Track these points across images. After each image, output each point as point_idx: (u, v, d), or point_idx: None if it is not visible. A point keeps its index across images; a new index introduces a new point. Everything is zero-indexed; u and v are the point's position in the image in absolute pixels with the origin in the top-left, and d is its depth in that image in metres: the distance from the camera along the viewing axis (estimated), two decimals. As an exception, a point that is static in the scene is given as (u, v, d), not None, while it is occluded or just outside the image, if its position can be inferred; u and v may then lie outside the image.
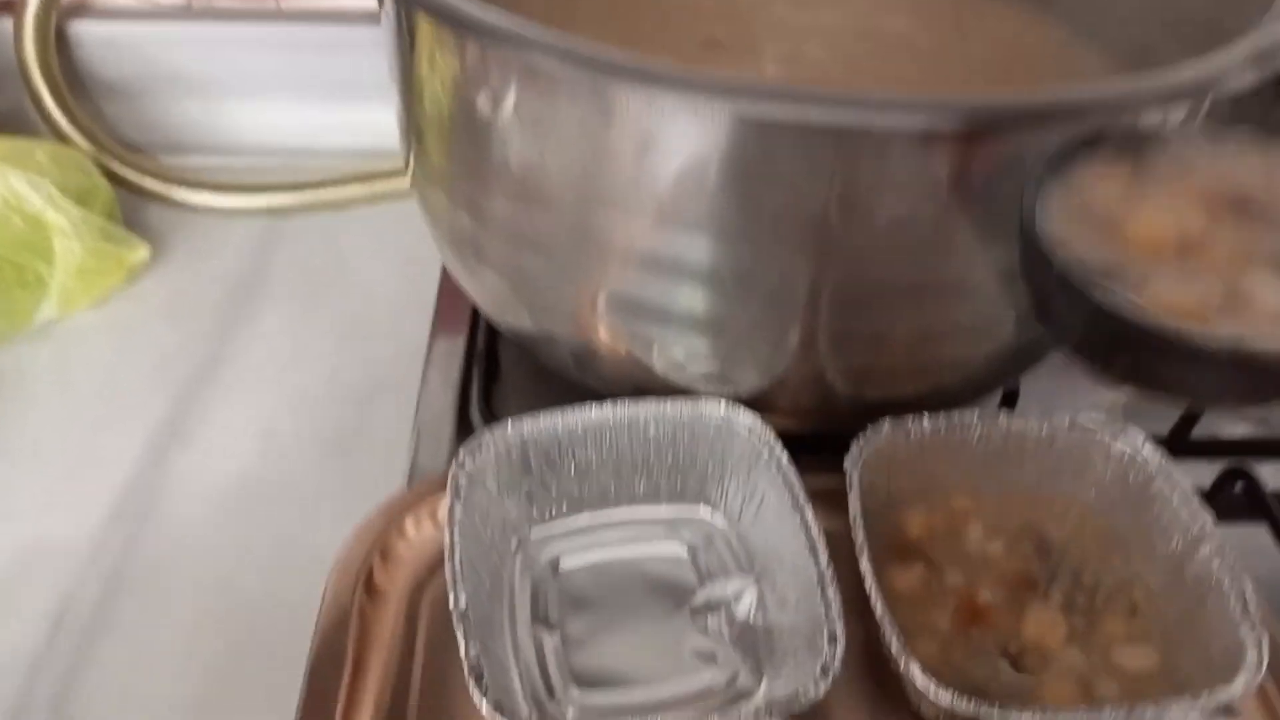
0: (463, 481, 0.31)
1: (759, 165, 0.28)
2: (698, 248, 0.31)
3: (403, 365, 0.49)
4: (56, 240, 0.50)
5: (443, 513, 0.33)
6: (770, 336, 0.32)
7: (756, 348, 0.33)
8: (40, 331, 0.51)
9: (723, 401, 0.34)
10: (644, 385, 0.36)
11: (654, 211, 0.30)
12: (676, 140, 0.28)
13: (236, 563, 0.41)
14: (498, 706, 0.25)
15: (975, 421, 0.34)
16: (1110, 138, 0.28)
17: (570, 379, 0.40)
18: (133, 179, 0.58)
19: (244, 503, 0.43)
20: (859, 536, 0.30)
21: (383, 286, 0.55)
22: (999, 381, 0.39)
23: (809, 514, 0.31)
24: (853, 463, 0.32)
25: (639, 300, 0.33)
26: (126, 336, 0.51)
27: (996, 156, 0.28)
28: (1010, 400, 0.42)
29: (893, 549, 0.33)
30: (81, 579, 0.40)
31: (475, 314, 0.48)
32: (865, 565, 0.29)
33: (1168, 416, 0.42)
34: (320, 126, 0.62)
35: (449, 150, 0.33)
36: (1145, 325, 0.25)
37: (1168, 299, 0.26)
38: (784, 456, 0.32)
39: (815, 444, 0.34)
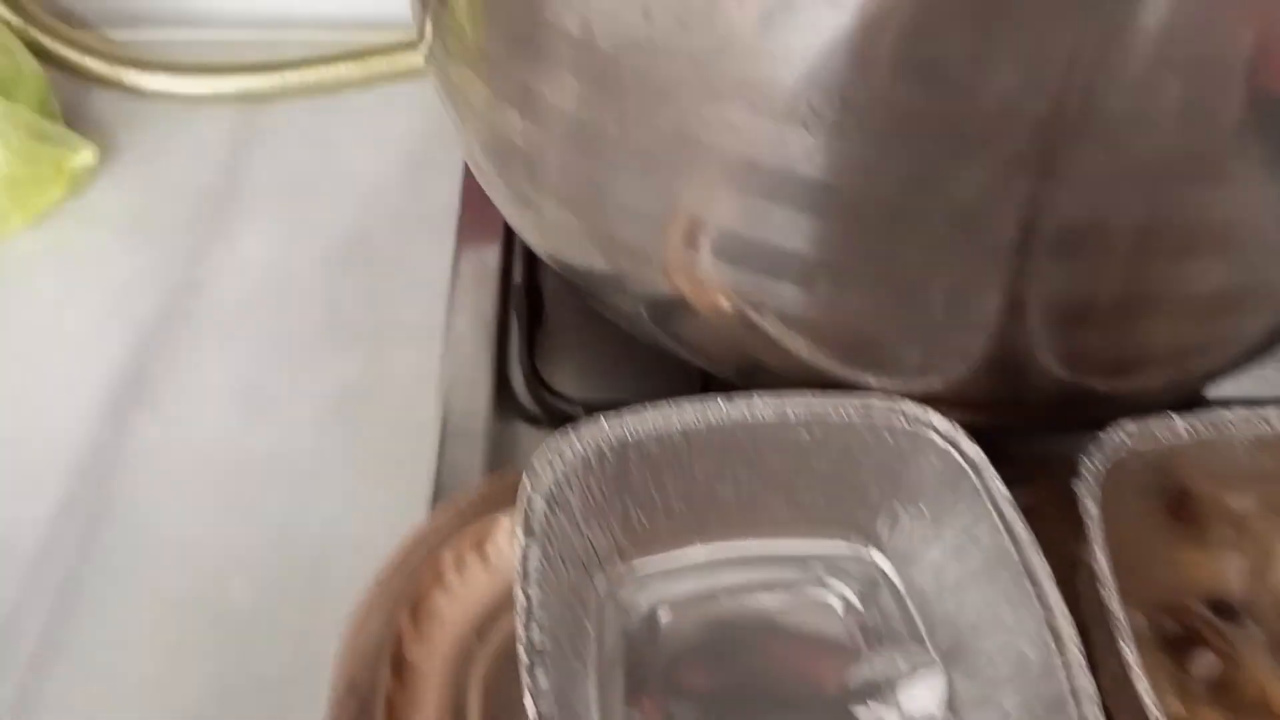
0: (539, 508, 0.22)
1: (963, 23, 0.18)
2: (850, 157, 0.20)
3: (418, 300, 0.41)
4: (-29, 143, 0.40)
5: (498, 544, 0.24)
6: (954, 301, 0.22)
7: (929, 317, 0.23)
8: (-40, 262, 0.42)
9: (905, 400, 0.24)
10: (758, 363, 0.26)
11: (789, 100, 0.19)
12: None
13: (219, 569, 0.33)
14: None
15: (1243, 420, 0.24)
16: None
17: (642, 338, 0.30)
18: (71, 59, 0.49)
19: (226, 487, 0.35)
20: (1113, 605, 0.20)
21: (387, 195, 0.46)
22: (1245, 363, 0.29)
23: (1049, 584, 0.21)
24: (1090, 492, 0.22)
25: (757, 242, 0.22)
26: (72, 264, 0.42)
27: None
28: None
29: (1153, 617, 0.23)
30: (26, 590, 0.33)
31: (509, 234, 0.38)
32: (1128, 654, 0.20)
33: None
34: (302, -11, 0.52)
35: (488, 11, 0.22)
36: None
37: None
38: (998, 484, 0.23)
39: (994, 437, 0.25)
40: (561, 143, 0.23)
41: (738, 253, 0.23)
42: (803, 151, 0.19)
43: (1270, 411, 0.25)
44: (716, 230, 0.23)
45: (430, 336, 0.38)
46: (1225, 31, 0.17)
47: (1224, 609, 0.24)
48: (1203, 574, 0.24)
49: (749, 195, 0.22)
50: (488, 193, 0.29)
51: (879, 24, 0.17)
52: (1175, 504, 0.25)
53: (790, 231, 0.22)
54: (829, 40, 0.17)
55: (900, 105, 0.18)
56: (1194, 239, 0.22)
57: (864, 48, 0.17)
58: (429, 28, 0.26)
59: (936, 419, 0.23)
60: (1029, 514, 0.24)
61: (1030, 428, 0.26)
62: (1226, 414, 0.24)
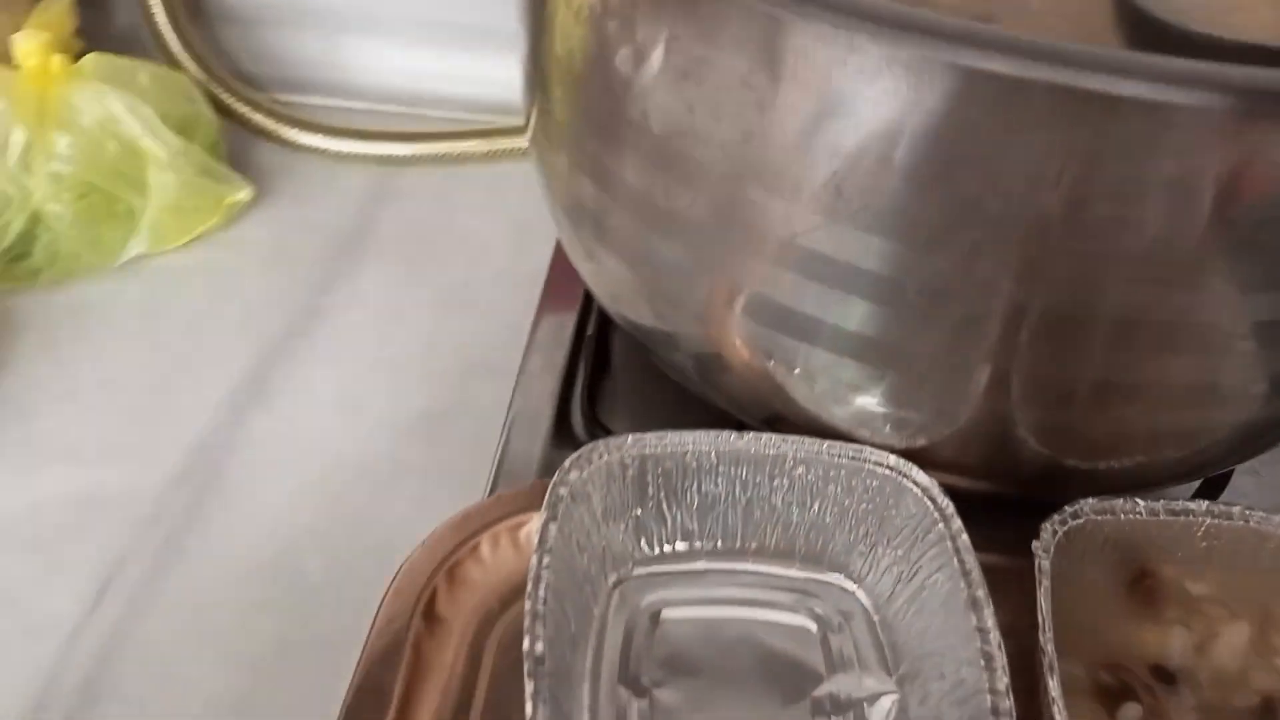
0: (563, 495, 0.26)
1: (973, 143, 0.22)
2: (873, 248, 0.24)
3: (504, 345, 0.45)
4: (152, 172, 0.47)
5: (529, 532, 0.28)
6: (947, 377, 0.26)
7: (927, 388, 0.26)
8: (127, 268, 0.48)
9: (893, 454, 0.27)
10: (779, 414, 0.30)
11: (824, 196, 0.24)
12: (866, 104, 0.22)
13: (300, 544, 0.38)
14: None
15: (1204, 511, 0.26)
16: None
17: (690, 388, 0.34)
18: (241, 112, 0.55)
19: (317, 478, 0.40)
20: (1047, 646, 0.23)
21: (492, 254, 0.51)
22: (1225, 462, 0.31)
23: (989, 616, 0.24)
24: (1044, 548, 0.25)
25: (788, 309, 0.26)
26: (218, 282, 0.48)
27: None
28: (1213, 488, 0.34)
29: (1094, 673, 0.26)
30: (135, 542, 0.38)
31: (588, 296, 0.43)
32: (1054, 688, 0.23)
33: None
34: (445, 74, 0.58)
35: (576, 101, 0.27)
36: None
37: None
38: (963, 536, 0.26)
39: (981, 503, 0.28)
40: (622, 208, 0.27)
41: (774, 321, 0.27)
42: (824, 236, 0.23)
43: (1234, 507, 0.27)
44: (748, 294, 0.27)
45: (510, 378, 0.42)
46: (1202, 153, 0.20)
47: (1162, 674, 0.26)
48: (1149, 643, 0.26)
49: (790, 270, 0.26)
50: (563, 244, 0.33)
51: (890, 138, 0.21)
52: (1135, 582, 0.27)
53: (824, 307, 0.26)
54: (849, 145, 0.22)
55: (918, 209, 0.22)
56: (1169, 337, 0.24)
57: (877, 158, 0.22)
58: (533, 113, 0.31)
59: (917, 473, 0.27)
60: (998, 573, 0.26)
61: (1015, 496, 0.29)
62: (1190, 504, 0.27)
